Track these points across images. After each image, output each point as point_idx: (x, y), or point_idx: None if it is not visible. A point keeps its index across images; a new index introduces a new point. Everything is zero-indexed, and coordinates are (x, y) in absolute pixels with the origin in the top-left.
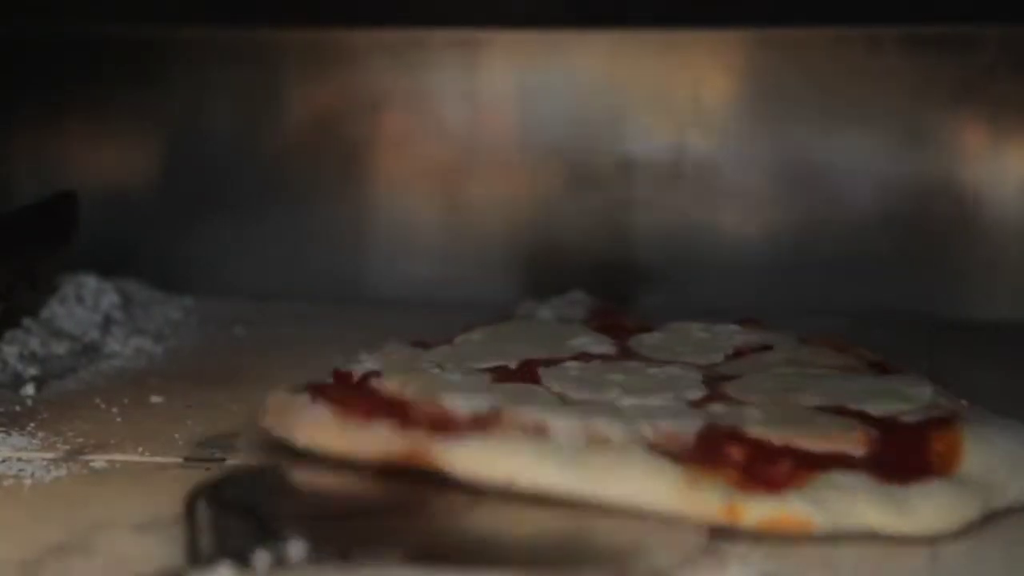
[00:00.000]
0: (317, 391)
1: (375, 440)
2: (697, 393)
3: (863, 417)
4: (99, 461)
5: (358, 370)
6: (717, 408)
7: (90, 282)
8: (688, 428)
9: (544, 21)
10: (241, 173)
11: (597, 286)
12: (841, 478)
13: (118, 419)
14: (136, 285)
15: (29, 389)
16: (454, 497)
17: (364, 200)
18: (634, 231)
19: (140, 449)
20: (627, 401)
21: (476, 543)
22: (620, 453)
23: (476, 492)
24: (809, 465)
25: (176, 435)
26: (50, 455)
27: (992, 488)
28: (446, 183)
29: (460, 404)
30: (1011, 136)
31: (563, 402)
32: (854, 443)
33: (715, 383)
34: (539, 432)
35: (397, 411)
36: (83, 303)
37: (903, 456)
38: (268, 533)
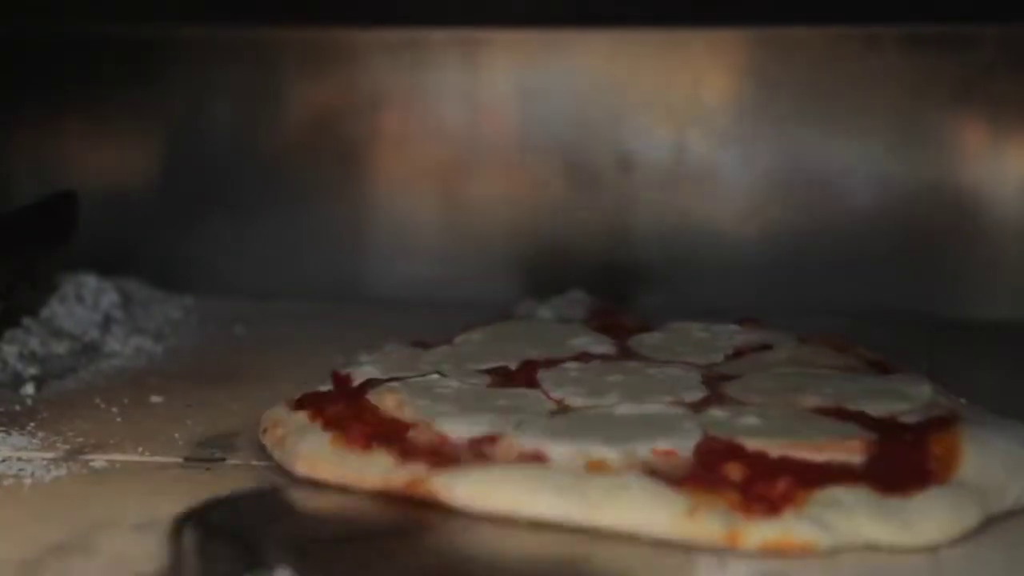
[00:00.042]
0: (315, 408)
1: (374, 471)
2: (697, 394)
3: (862, 418)
4: (99, 461)
5: (357, 373)
6: (716, 413)
7: (90, 281)
8: (685, 445)
9: (544, 21)
10: (241, 173)
11: (597, 286)
12: (841, 494)
13: (118, 419)
14: (136, 284)
15: (29, 389)
16: (453, 521)
17: (363, 200)
18: (634, 231)
19: (140, 449)
20: (625, 409)
21: (474, 567)
22: (619, 482)
23: (475, 516)
24: (808, 481)
25: (176, 435)
26: (50, 455)
27: (991, 491)
28: (446, 183)
29: (458, 431)
30: (1011, 136)
31: (561, 411)
32: (853, 451)
33: (715, 383)
34: (537, 459)
35: (395, 436)
36: (83, 302)
37: (902, 462)
38: (255, 560)
